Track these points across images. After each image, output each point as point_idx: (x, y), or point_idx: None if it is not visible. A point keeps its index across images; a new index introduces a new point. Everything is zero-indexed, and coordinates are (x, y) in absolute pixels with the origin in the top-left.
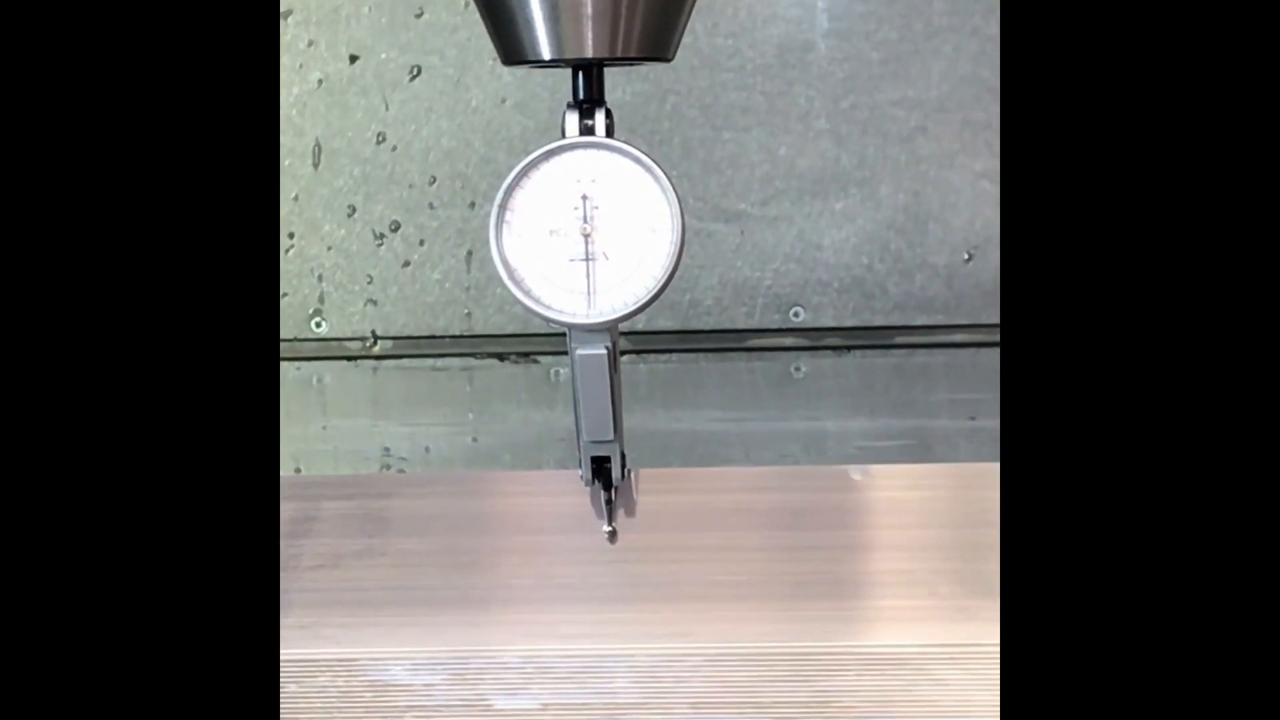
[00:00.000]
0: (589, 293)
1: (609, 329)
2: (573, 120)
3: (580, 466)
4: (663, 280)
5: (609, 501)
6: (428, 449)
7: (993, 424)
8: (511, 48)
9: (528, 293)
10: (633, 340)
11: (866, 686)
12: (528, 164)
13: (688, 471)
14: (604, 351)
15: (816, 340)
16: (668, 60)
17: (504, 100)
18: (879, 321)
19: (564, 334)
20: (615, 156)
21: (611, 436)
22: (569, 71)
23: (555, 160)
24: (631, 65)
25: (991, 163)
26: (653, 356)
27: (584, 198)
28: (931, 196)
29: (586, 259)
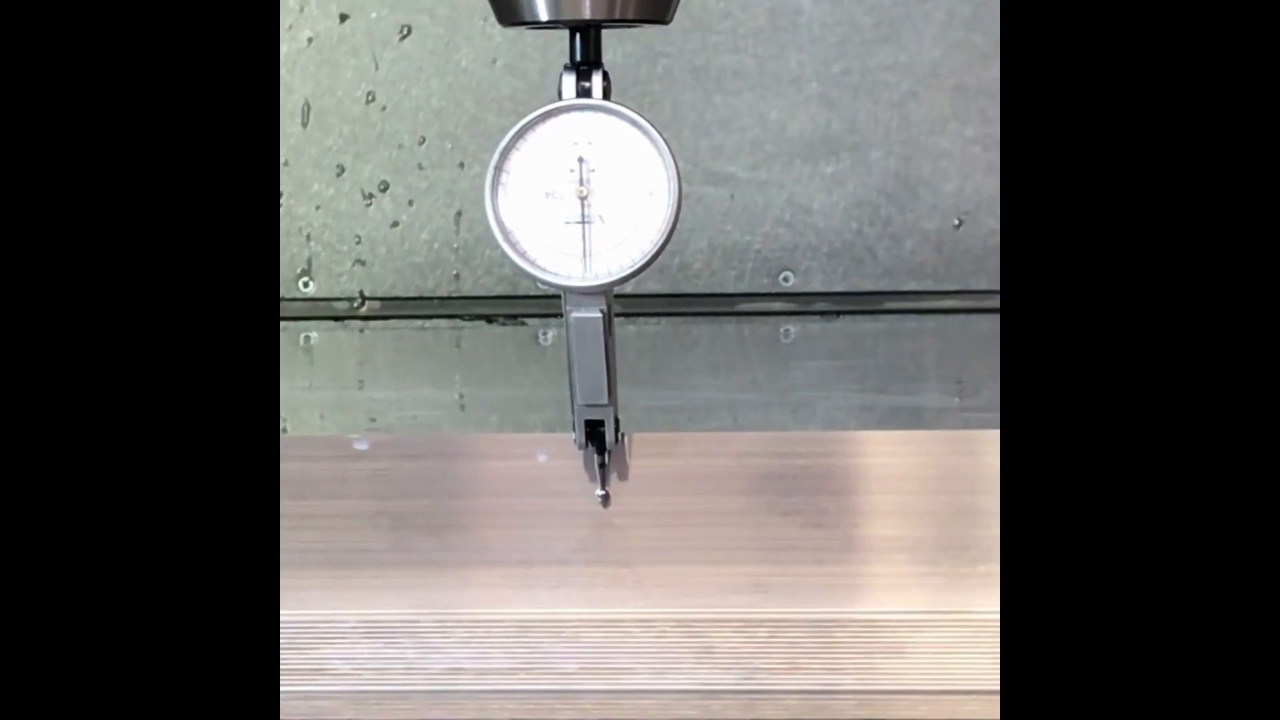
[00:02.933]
0: (585, 255)
1: (604, 292)
2: (569, 82)
3: (574, 430)
4: (659, 244)
5: (602, 465)
6: (414, 410)
7: (981, 389)
8: (508, 8)
9: (523, 255)
10: (621, 303)
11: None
12: (524, 125)
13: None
14: (599, 315)
15: (806, 305)
16: (665, 23)
17: (494, 61)
18: (868, 287)
19: (553, 296)
20: (612, 119)
21: (606, 400)
22: (559, 32)
23: (552, 122)
24: (629, 27)
25: (983, 128)
26: (641, 319)
27: (580, 160)
28: (922, 162)
29: (583, 221)
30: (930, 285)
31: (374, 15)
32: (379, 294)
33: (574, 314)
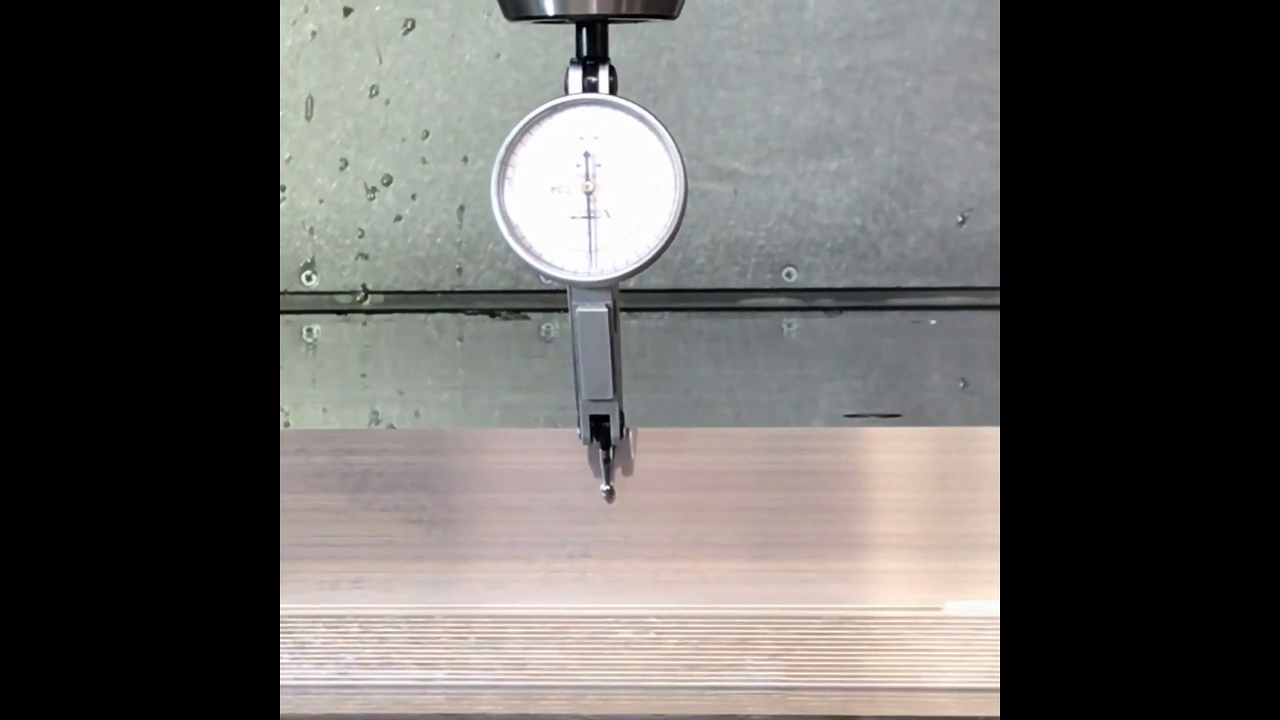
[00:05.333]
0: (590, 250)
1: (610, 287)
2: (576, 77)
3: (579, 425)
4: (665, 239)
5: (607, 460)
6: (417, 405)
7: (984, 386)
8: (515, 2)
9: (529, 250)
10: (624, 298)
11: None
12: (530, 120)
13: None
14: (605, 310)
15: (809, 301)
16: (672, 17)
17: (498, 55)
18: (871, 283)
19: (556, 291)
20: (619, 114)
21: (611, 395)
22: (563, 27)
23: (558, 117)
24: (635, 22)
25: (987, 125)
26: (644, 314)
27: (586, 155)
28: (926, 158)
29: (588, 216)
30: (934, 281)
31: (378, 9)
32: (382, 288)
33: (579, 309)
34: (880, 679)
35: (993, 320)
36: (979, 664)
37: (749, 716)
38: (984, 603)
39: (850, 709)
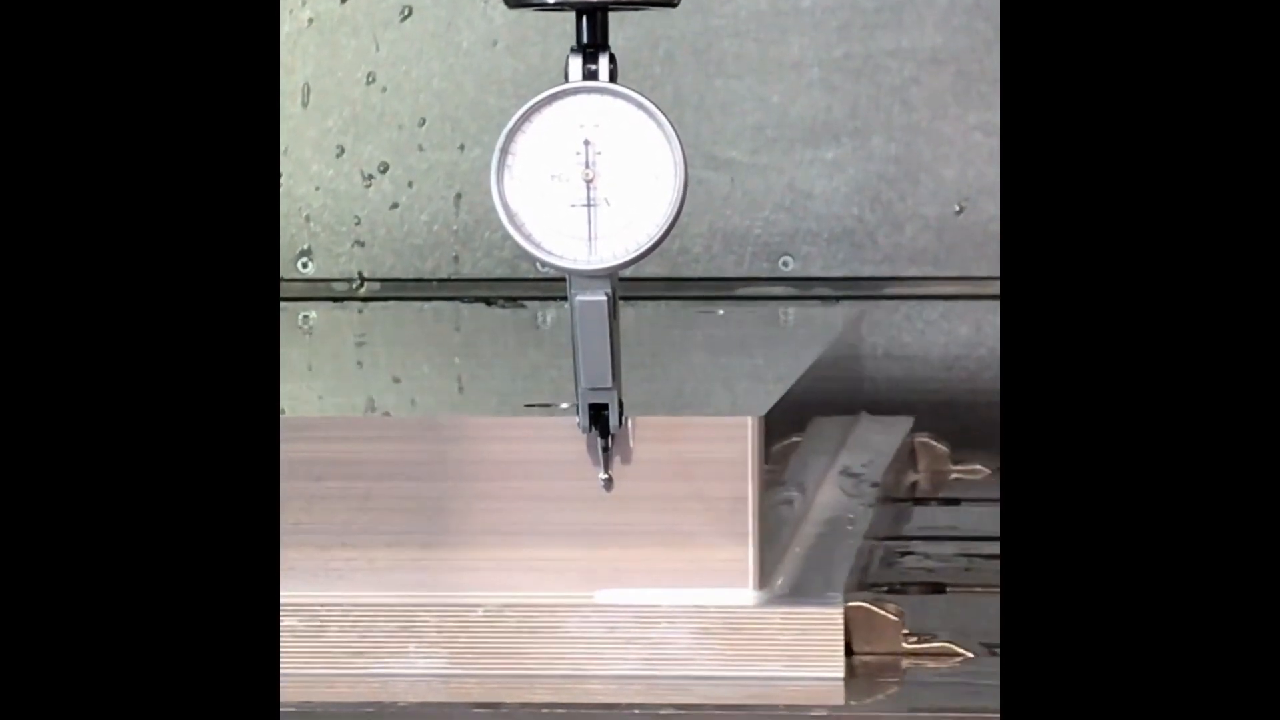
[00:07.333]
0: (590, 239)
1: (609, 275)
2: (576, 65)
3: (578, 413)
4: (665, 227)
5: (605, 449)
6: (413, 392)
7: (979, 375)
8: None
9: (528, 238)
10: (621, 287)
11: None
12: (530, 108)
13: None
14: (604, 298)
15: (805, 290)
16: (674, 5)
17: (495, 42)
18: (868, 272)
19: (552, 279)
20: (619, 102)
21: (610, 384)
22: (561, 15)
23: (558, 104)
24: (636, 9)
25: (984, 114)
26: (641, 303)
27: (586, 143)
28: (923, 147)
29: (588, 205)
30: (930, 271)
31: None
32: (378, 275)
33: (579, 297)
34: (537, 666)
35: (989, 309)
36: (629, 651)
37: (400, 703)
38: (633, 590)
39: (504, 696)
